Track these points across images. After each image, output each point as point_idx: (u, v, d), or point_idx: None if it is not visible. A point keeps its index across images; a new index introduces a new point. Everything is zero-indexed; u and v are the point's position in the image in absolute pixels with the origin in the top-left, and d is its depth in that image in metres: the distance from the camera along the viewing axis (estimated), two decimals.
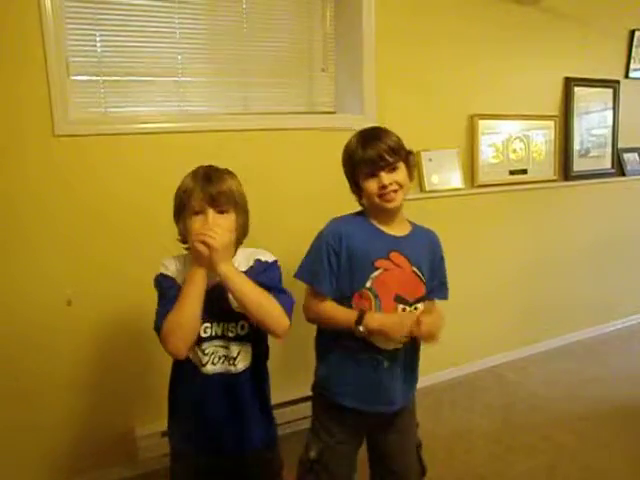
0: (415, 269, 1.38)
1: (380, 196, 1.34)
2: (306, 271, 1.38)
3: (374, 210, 1.39)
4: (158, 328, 1.14)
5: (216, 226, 1.13)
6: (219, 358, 1.19)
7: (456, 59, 2.49)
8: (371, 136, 1.36)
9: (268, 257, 1.26)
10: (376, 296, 1.34)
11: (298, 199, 2.15)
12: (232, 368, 1.20)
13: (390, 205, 1.34)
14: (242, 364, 1.20)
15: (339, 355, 1.39)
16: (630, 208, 3.24)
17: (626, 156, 3.17)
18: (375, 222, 1.40)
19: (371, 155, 1.32)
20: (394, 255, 1.36)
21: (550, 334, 3.04)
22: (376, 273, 1.33)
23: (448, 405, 2.45)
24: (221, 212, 1.16)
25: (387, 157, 1.32)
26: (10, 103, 1.69)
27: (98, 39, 1.89)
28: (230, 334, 1.19)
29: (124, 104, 1.96)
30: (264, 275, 1.21)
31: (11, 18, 1.65)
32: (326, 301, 1.36)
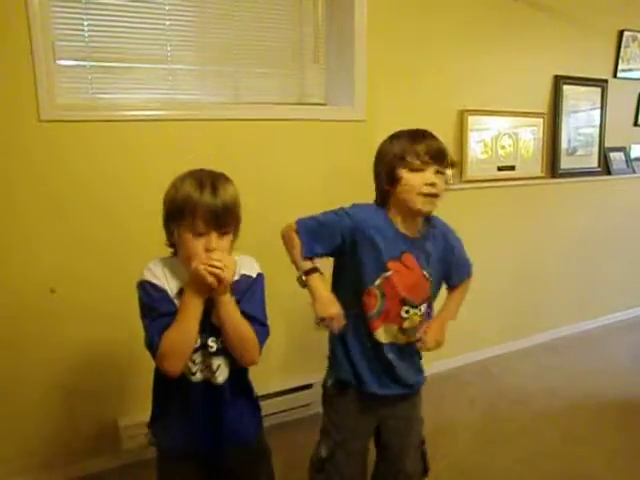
0: (425, 273, 1.36)
1: (424, 194, 1.27)
2: (305, 224, 1.33)
3: (400, 208, 1.33)
4: (152, 346, 1.12)
5: (220, 253, 1.09)
6: (206, 367, 1.20)
7: (447, 54, 2.49)
8: (418, 133, 1.32)
9: (253, 270, 1.23)
10: (383, 295, 1.33)
11: (286, 189, 2.13)
12: (213, 379, 1.20)
13: (426, 209, 1.29)
14: (222, 377, 1.20)
15: (351, 348, 1.38)
16: (615, 207, 3.27)
17: (612, 155, 3.21)
18: (395, 219, 1.35)
19: (424, 148, 1.27)
20: (406, 257, 1.33)
21: (535, 329, 3.07)
22: (387, 274, 1.32)
23: (433, 399, 2.43)
24: (223, 234, 1.13)
25: (441, 157, 1.29)
26: None
27: (86, 23, 1.85)
28: (210, 349, 1.18)
29: (112, 90, 1.93)
30: (248, 299, 1.19)
31: None
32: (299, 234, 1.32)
